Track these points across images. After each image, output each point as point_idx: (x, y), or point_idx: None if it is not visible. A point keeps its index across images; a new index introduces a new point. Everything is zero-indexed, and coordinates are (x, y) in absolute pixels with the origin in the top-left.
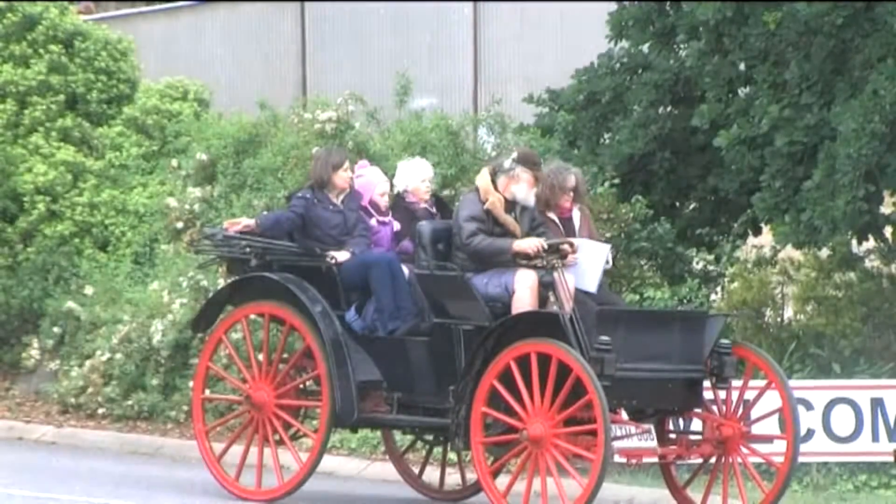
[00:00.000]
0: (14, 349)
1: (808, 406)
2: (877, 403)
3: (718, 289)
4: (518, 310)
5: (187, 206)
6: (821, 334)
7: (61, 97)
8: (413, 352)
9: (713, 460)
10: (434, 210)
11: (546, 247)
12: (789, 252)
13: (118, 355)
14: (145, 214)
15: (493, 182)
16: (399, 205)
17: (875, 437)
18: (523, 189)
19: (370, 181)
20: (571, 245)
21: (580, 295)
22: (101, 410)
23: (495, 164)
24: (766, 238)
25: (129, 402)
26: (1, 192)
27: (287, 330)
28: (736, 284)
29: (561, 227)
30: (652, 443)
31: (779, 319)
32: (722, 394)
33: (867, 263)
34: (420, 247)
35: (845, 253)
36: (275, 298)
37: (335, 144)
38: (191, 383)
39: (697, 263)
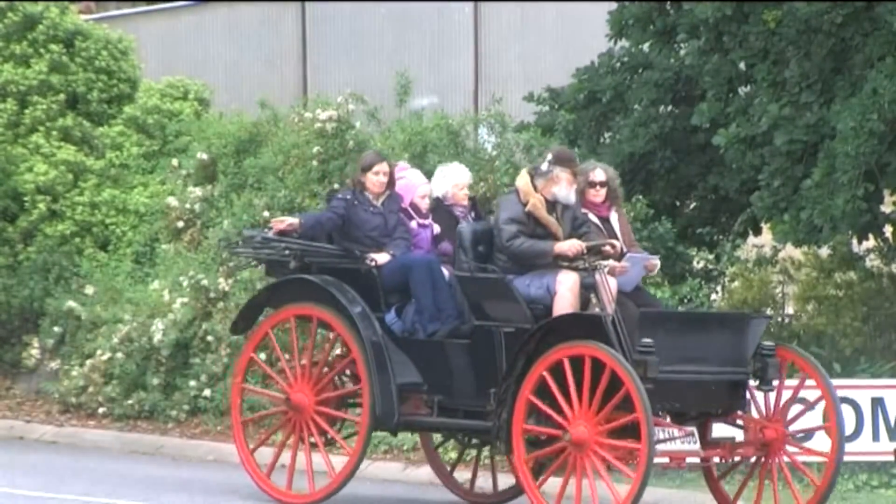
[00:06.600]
0: (15, 348)
1: (809, 405)
2: (877, 403)
3: (719, 288)
4: (559, 311)
5: (188, 206)
6: (821, 334)
7: (62, 97)
8: (453, 354)
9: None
10: (473, 214)
11: (587, 248)
12: (790, 251)
13: (119, 354)
14: (146, 214)
15: (532, 183)
16: (439, 208)
17: (875, 437)
18: (563, 188)
19: (411, 183)
20: (613, 246)
21: (621, 297)
22: (101, 410)
23: (532, 166)
24: (767, 237)
25: (130, 402)
26: (1, 191)
27: (334, 338)
28: (736, 284)
29: (601, 227)
30: (695, 445)
31: (779, 319)
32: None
33: (867, 263)
34: (461, 249)
35: (845, 252)
36: (314, 300)
37: (337, 142)
38: (192, 382)
39: (698, 263)
